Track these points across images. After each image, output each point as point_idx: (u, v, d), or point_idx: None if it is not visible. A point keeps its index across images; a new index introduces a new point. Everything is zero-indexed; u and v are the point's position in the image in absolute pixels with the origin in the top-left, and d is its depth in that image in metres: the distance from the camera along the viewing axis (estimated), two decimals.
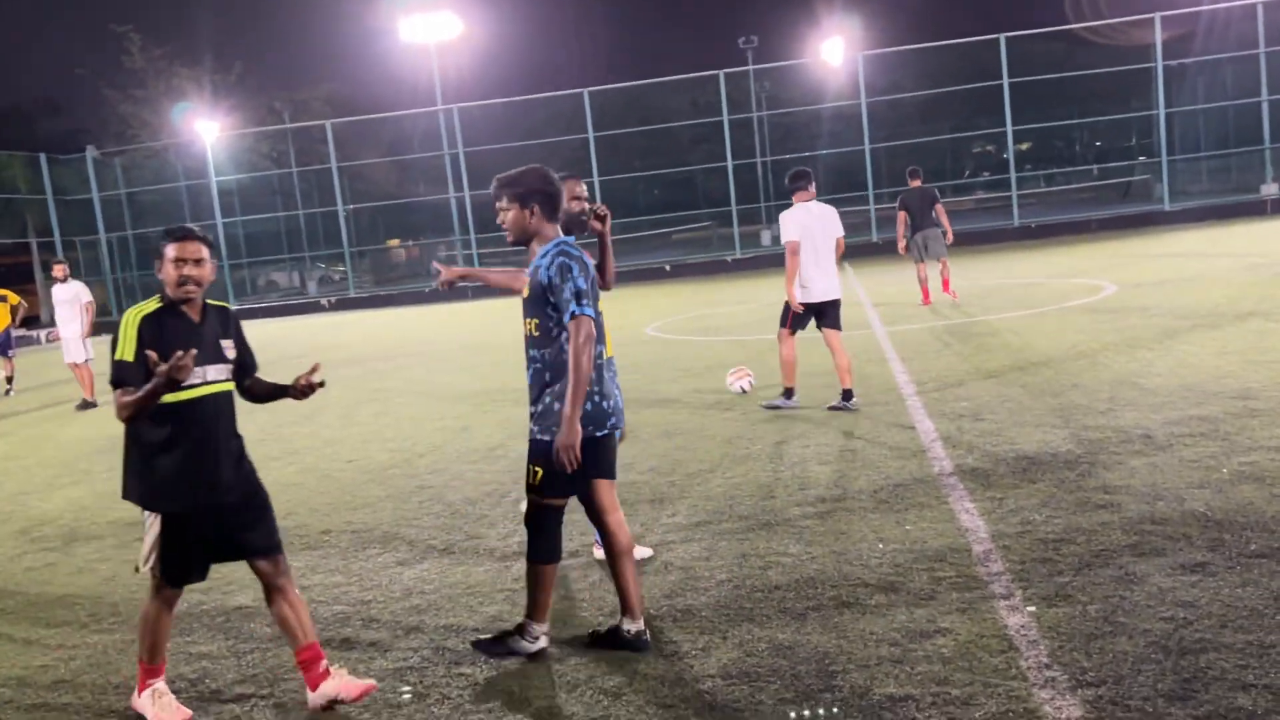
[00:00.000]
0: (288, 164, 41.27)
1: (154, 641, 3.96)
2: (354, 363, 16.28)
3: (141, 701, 3.97)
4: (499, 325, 20.95)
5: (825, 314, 8.66)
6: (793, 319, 8.69)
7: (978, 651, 3.81)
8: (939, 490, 5.91)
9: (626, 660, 4.05)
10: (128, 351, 3.69)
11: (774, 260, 31.14)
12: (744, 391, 9.14)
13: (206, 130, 37.22)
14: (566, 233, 4.40)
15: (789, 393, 8.83)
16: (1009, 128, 31.59)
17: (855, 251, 25.53)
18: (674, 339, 14.87)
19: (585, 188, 5.30)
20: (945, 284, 15.87)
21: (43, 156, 35.68)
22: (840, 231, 8.73)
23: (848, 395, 8.57)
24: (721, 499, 6.23)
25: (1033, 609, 4.14)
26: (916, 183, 15.95)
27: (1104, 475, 5.84)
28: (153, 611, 3.94)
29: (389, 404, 11.46)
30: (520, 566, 5.32)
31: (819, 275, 8.55)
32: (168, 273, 3.80)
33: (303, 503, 7.24)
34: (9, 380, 16.30)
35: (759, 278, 26.39)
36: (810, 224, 8.53)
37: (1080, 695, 3.42)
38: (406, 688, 4.01)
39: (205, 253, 3.84)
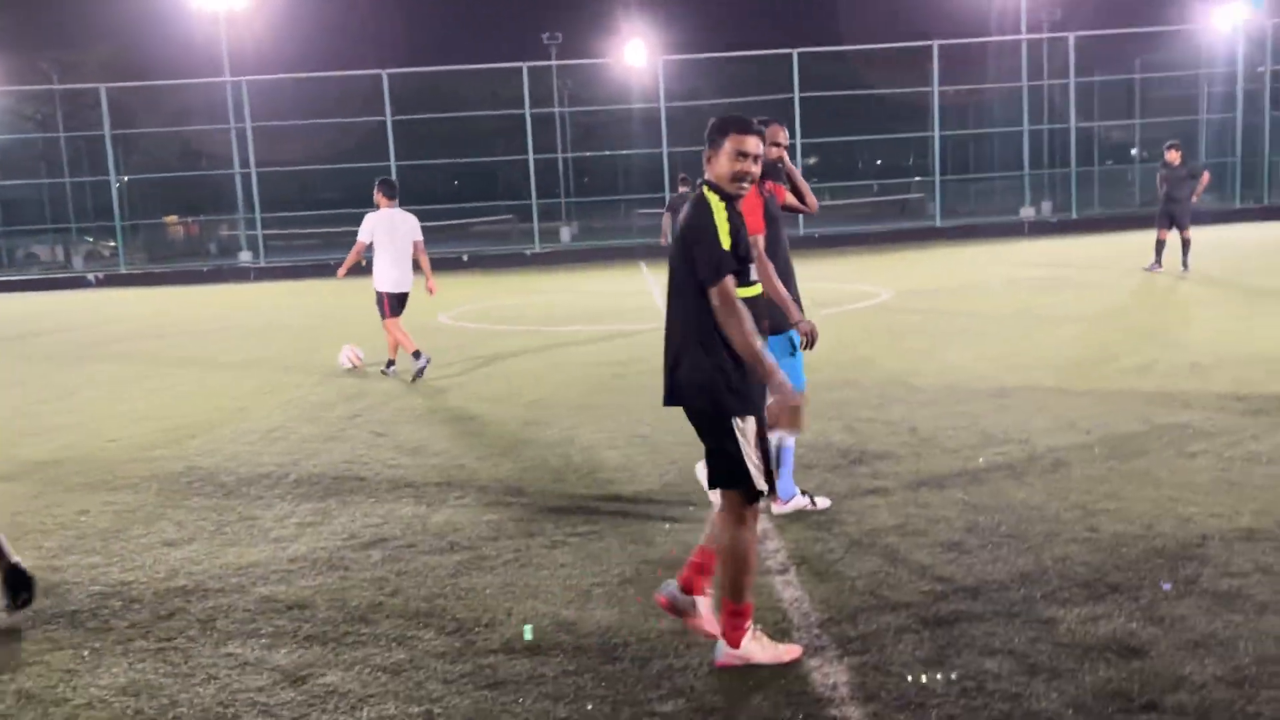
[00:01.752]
0: (55, 128, 38.23)
1: (749, 576, 3.65)
2: (123, 339, 15.24)
3: (746, 648, 3.61)
4: (282, 307, 20.13)
5: (403, 302, 10.57)
6: (388, 305, 10.46)
7: (756, 624, 3.94)
8: None
9: (409, 636, 3.97)
10: None
11: (573, 256, 31.31)
12: (353, 366, 10.76)
13: None
14: (765, 179, 4.78)
15: (417, 354, 10.23)
16: (799, 140, 32.91)
17: (656, 252, 26.02)
18: (468, 327, 14.70)
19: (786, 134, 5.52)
20: None
21: None
22: (418, 236, 10.60)
23: (390, 364, 10.62)
24: (512, 481, 6.21)
25: (806, 584, 4.33)
26: (684, 188, 17.23)
27: (874, 464, 6.18)
28: (750, 539, 3.63)
29: (160, 383, 10.78)
30: (297, 547, 5.13)
31: (392, 268, 10.38)
32: None
33: (56, 482, 6.71)
34: None
35: (557, 272, 26.47)
36: (391, 226, 10.41)
37: (847, 663, 3.60)
38: (166, 667, 3.79)
39: None
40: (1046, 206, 34.31)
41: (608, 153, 37.80)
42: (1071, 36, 33.12)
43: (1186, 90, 37.38)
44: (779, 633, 3.86)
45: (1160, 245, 16.52)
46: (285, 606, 4.36)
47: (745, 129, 3.58)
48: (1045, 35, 36.00)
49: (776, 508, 5.32)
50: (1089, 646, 3.62)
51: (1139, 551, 4.50)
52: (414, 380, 10.07)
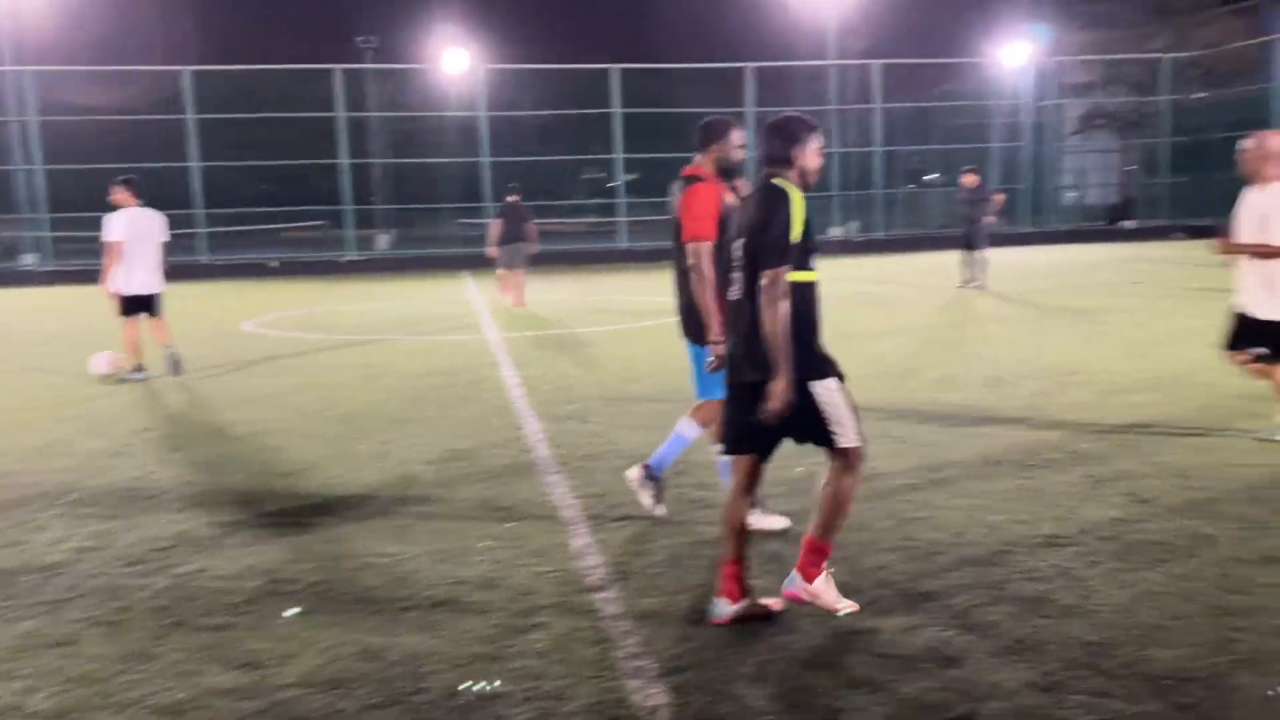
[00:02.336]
0: None
1: (840, 521, 3.95)
2: None
3: (818, 585, 3.90)
4: (69, 313, 18.69)
5: (148, 305, 10.31)
6: (125, 305, 10.20)
7: (573, 645, 3.78)
8: (543, 489, 5.91)
9: (193, 672, 3.60)
10: None
11: (391, 264, 30.44)
12: (112, 372, 10.14)
13: None
14: (727, 177, 4.91)
15: (139, 368, 10.11)
16: (619, 155, 33.14)
17: (478, 262, 25.59)
18: (276, 335, 13.97)
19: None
20: (519, 294, 17.26)
21: None
22: (166, 236, 10.45)
23: (138, 368, 10.16)
24: (317, 499, 5.83)
25: (627, 600, 4.19)
26: (514, 198, 17.39)
27: (698, 474, 6.11)
28: (850, 489, 3.93)
29: None
30: (71, 575, 4.63)
31: (137, 270, 10.15)
32: None
33: None
34: None
35: (374, 280, 25.65)
36: (139, 227, 10.18)
37: (666, 682, 3.47)
38: None
39: None
40: (854, 226, 35.70)
41: (427, 160, 36.98)
42: (876, 64, 34.66)
43: (979, 119, 39.71)
44: (599, 654, 3.70)
45: (965, 264, 17.40)
46: (52, 643, 3.90)
47: (819, 129, 4.09)
48: (853, 61, 37.52)
49: (632, 474, 5.27)
50: (907, 657, 3.62)
51: (951, 559, 4.58)
52: (119, 381, 9.99)
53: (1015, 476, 5.86)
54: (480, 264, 23.61)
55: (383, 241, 35.92)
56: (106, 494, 6.04)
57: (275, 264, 29.96)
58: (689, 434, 5.29)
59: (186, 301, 20.95)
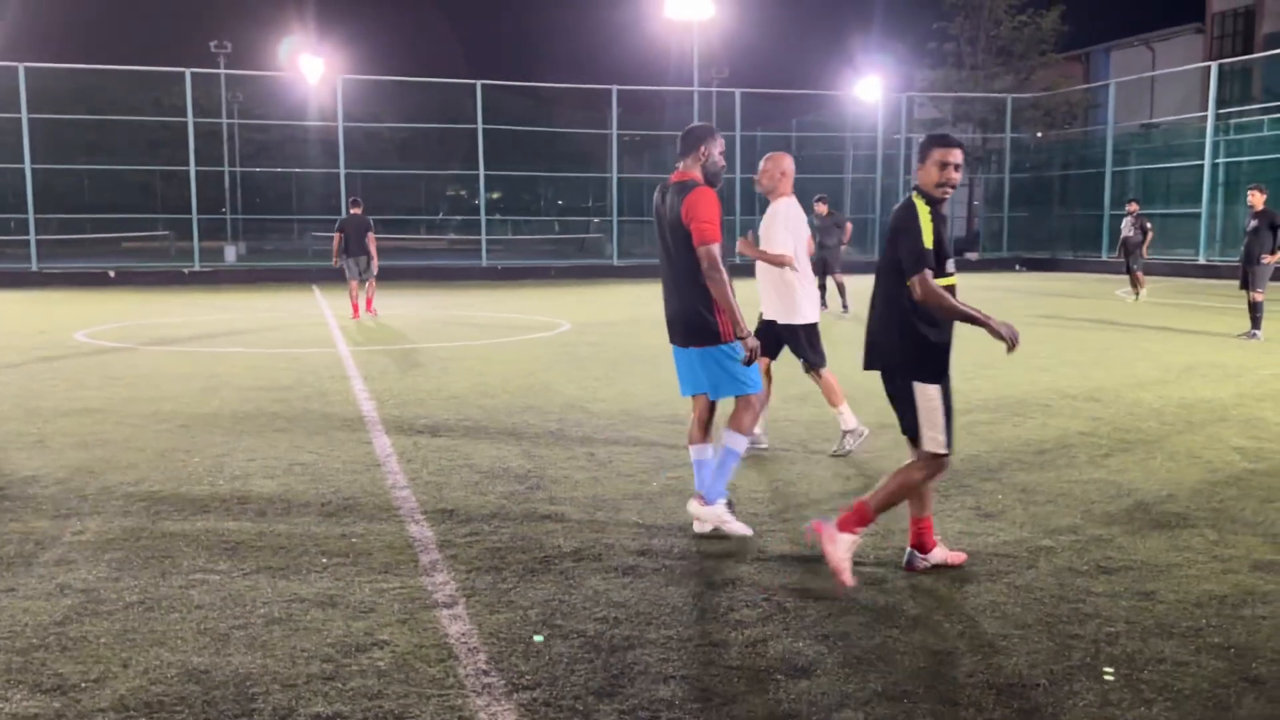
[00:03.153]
0: None
1: (894, 505, 4.43)
2: None
3: (842, 542, 4.28)
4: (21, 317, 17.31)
5: None
6: None
7: (416, 662, 3.60)
8: (391, 503, 5.68)
9: None
10: None
11: (239, 276, 29.30)
12: None
13: None
14: (712, 183, 5.02)
15: None
16: (481, 172, 32.81)
17: (330, 275, 24.81)
18: (109, 345, 13.20)
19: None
20: (369, 303, 17.79)
21: None
22: None
23: None
24: (143, 515, 5.45)
25: (476, 616, 4.03)
26: (356, 210, 17.82)
27: (551, 488, 5.99)
28: (917, 482, 4.40)
29: None
30: (28, 592, 4.19)
31: None
32: None
33: None
34: None
35: (220, 293, 24.61)
36: None
37: (515, 700, 3.34)
38: None
39: None
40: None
41: (279, 170, 35.81)
42: (738, 92, 35.36)
43: (835, 150, 40.99)
44: (443, 671, 3.53)
45: (821, 290, 17.81)
46: None
47: (948, 143, 4.38)
48: (715, 89, 38.22)
49: (694, 507, 5.08)
50: (759, 669, 3.57)
51: (804, 572, 4.58)
52: None
53: (861, 490, 5.94)
54: (331, 277, 22.99)
55: (230, 253, 34.62)
56: None
57: (112, 274, 28.44)
58: (739, 445, 5.14)
59: (13, 308, 19.67)
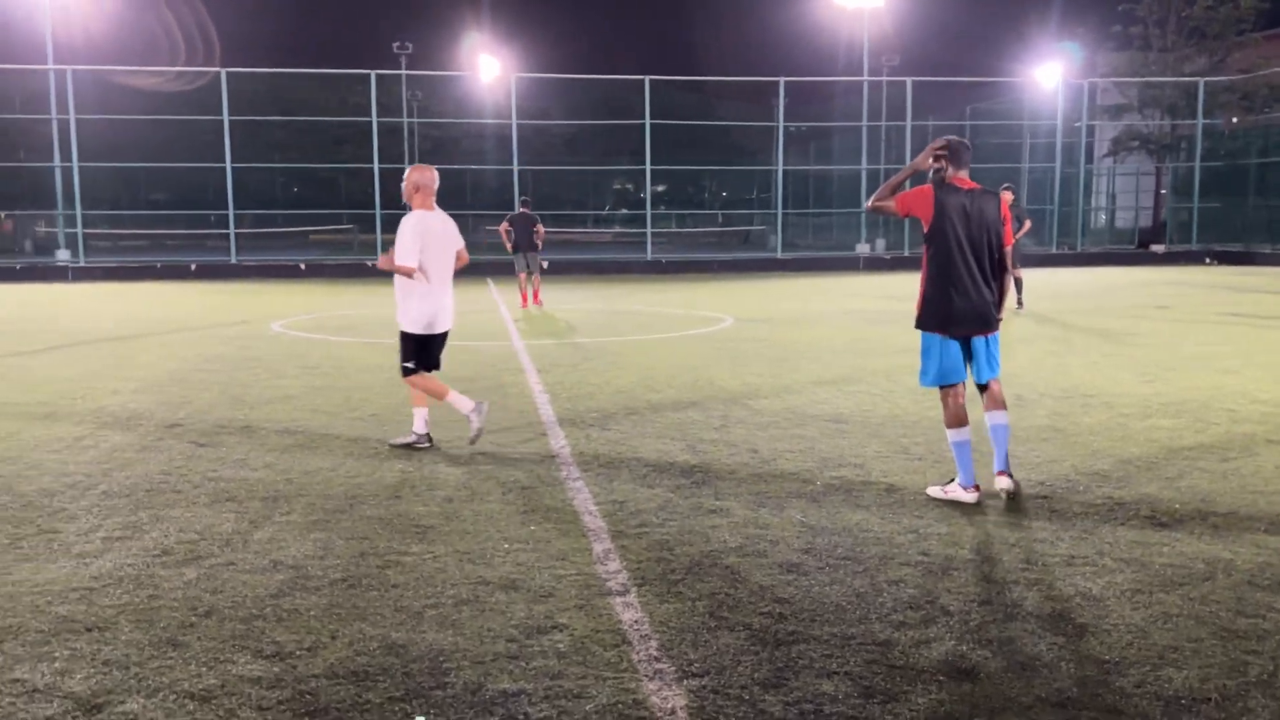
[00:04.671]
0: None
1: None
2: None
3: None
4: (98, 309, 18.96)
5: None
6: None
7: (592, 646, 3.84)
8: (565, 493, 5.98)
9: (222, 660, 3.69)
10: None
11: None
12: None
13: None
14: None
15: None
16: (648, 167, 33.26)
17: (503, 269, 25.66)
18: (302, 336, 14.14)
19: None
20: (535, 294, 19.00)
21: None
22: None
23: None
24: (342, 498, 5.92)
25: (647, 605, 4.25)
26: (525, 209, 19.30)
27: (716, 484, 6.18)
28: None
29: None
30: (102, 563, 4.74)
31: None
32: None
33: None
34: None
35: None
36: None
37: (685, 685, 3.53)
38: None
39: None
40: (881, 243, 35.66)
41: (455, 166, 37.22)
42: (909, 81, 34.65)
43: (1012, 139, 39.63)
44: (618, 656, 3.76)
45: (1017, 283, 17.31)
46: (84, 628, 4.00)
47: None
48: (885, 78, 37.53)
49: (1005, 482, 5.82)
50: (922, 669, 3.66)
51: (969, 575, 4.61)
52: None
53: (1034, 495, 5.88)
54: (503, 271, 23.79)
55: None
56: (134, 487, 6.16)
57: (303, 266, 30.25)
58: (1004, 420, 5.92)
59: (216, 299, 21.21)
